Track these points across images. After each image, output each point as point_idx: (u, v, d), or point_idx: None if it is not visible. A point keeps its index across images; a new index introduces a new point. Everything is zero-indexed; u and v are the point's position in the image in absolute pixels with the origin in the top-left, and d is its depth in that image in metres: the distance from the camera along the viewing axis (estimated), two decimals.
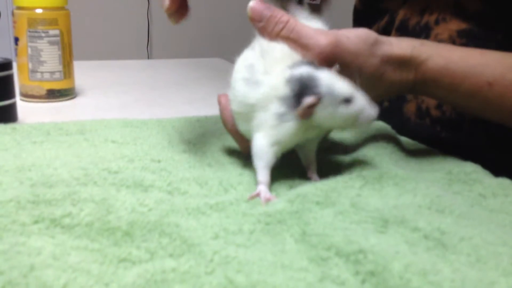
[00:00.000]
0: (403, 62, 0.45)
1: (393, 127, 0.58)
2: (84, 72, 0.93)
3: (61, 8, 0.73)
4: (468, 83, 0.45)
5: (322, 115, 0.38)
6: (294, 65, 0.39)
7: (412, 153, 0.51)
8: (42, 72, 0.73)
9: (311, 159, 0.43)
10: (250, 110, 0.40)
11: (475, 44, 0.50)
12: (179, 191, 0.39)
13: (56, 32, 0.72)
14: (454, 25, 0.57)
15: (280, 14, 0.41)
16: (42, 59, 0.72)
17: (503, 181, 0.43)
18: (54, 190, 0.37)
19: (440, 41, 0.57)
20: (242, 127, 0.43)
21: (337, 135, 0.57)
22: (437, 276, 0.27)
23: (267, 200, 0.37)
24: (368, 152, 0.48)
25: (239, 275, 0.28)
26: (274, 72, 0.39)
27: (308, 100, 0.37)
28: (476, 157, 0.48)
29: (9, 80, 0.58)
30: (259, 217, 0.35)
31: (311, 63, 0.39)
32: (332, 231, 0.32)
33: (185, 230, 0.32)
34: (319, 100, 0.37)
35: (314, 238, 0.32)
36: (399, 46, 0.45)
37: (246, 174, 0.43)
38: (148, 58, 2.35)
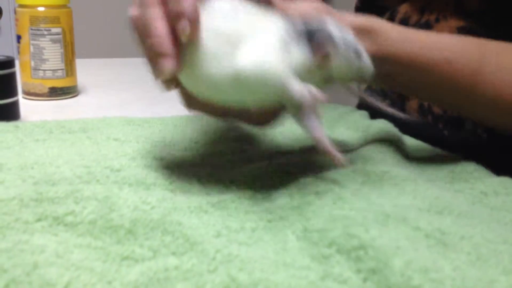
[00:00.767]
0: (363, 30, 0.43)
1: (395, 125, 0.58)
2: (86, 70, 0.93)
3: (63, 6, 0.73)
4: (426, 59, 0.44)
5: (336, 63, 0.37)
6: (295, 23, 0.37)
7: (414, 152, 0.51)
8: (44, 70, 0.73)
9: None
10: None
11: None
12: (181, 189, 0.40)
13: (58, 30, 0.72)
14: (454, 23, 0.57)
15: None
16: (44, 57, 0.72)
17: (505, 180, 0.43)
18: (56, 188, 0.37)
19: None
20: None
21: (340, 134, 0.57)
22: (438, 273, 0.27)
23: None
24: (371, 150, 0.48)
25: (241, 273, 0.28)
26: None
27: (325, 46, 0.36)
28: (478, 155, 0.48)
29: (11, 78, 0.58)
30: (261, 214, 0.35)
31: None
32: (332, 224, 0.32)
33: (188, 228, 0.33)
34: (334, 47, 0.37)
35: (315, 234, 0.32)
36: (357, 17, 0.44)
37: (247, 172, 0.43)
38: None
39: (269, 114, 0.43)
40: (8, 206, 0.34)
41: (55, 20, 0.72)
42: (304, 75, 0.36)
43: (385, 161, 0.46)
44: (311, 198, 0.36)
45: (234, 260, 0.29)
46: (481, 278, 0.28)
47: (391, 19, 0.66)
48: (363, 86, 0.39)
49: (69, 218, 0.33)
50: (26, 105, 0.69)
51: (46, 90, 0.74)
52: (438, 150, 0.52)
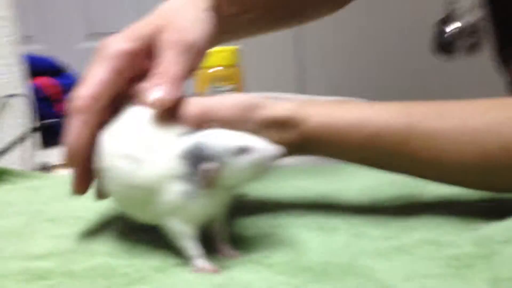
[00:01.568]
0: (281, 124, 0.43)
1: None
2: None
3: (235, 66, 0.82)
4: (354, 137, 0.43)
5: (227, 175, 0.36)
6: (176, 139, 0.37)
7: None
8: None
9: (222, 228, 0.39)
10: (142, 193, 0.37)
11: None
12: (363, 233, 0.42)
13: (231, 87, 0.81)
14: None
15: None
16: None
17: None
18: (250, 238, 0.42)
19: None
20: (130, 210, 0.40)
21: None
22: None
23: (215, 271, 0.36)
24: None
25: None
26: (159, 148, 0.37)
27: (208, 168, 0.35)
28: None
29: None
30: (448, 261, 0.36)
31: (189, 130, 0.38)
32: None
33: (378, 272, 0.35)
34: (218, 165, 0.35)
35: (506, 283, 0.32)
36: (276, 108, 0.43)
37: (426, 215, 0.44)
38: None
39: None
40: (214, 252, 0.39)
41: (228, 78, 0.80)
42: (216, 204, 0.37)
43: None
44: (498, 247, 0.37)
45: None
46: None
47: None
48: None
49: (266, 261, 0.37)
50: None
51: None
52: None
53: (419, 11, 2.00)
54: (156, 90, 0.40)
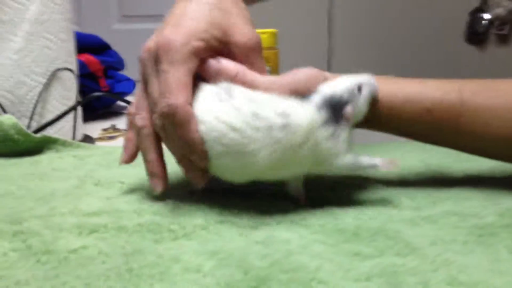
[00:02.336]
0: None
1: None
2: None
3: (273, 48, 0.84)
4: (408, 111, 0.45)
5: (356, 111, 0.43)
6: (304, 97, 0.42)
7: None
8: None
9: (300, 188, 0.45)
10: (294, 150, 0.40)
11: None
12: (393, 204, 0.45)
13: (268, 68, 0.83)
14: None
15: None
16: None
17: None
18: (287, 202, 0.45)
19: None
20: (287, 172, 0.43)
21: None
22: None
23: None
24: None
25: (461, 274, 0.32)
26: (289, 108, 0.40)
27: (349, 110, 0.42)
28: None
29: None
30: (471, 229, 0.39)
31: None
32: None
33: (406, 235, 0.37)
34: (353, 105, 0.42)
35: None
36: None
37: (452, 191, 0.46)
38: None
39: None
40: (254, 211, 0.43)
41: (266, 60, 0.83)
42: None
43: None
44: None
45: (452, 264, 0.33)
46: None
47: None
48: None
49: (303, 222, 0.40)
50: None
51: None
52: None
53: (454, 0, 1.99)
54: None
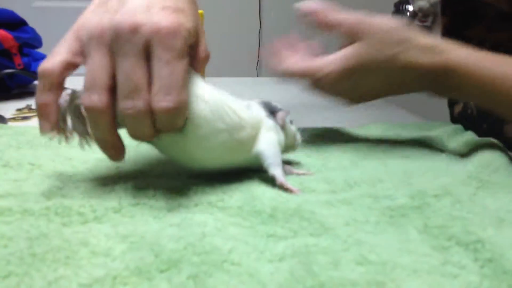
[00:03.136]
0: (426, 48, 0.49)
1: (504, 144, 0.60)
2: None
3: None
4: (498, 88, 0.48)
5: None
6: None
7: None
8: None
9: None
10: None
11: None
12: (308, 188, 0.45)
13: None
14: None
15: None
16: None
17: None
18: (206, 182, 0.44)
19: None
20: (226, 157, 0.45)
21: (452, 150, 0.59)
22: None
23: (298, 191, 0.44)
24: (484, 161, 0.51)
25: (371, 254, 0.33)
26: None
27: (282, 114, 0.48)
28: None
29: None
30: (383, 210, 0.40)
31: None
32: (451, 222, 0.36)
33: (320, 216, 0.38)
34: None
35: (435, 229, 0.36)
36: (425, 36, 0.50)
37: (367, 172, 0.47)
38: (257, 76, 2.45)
39: None
40: (170, 193, 0.41)
41: None
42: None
43: (496, 171, 0.48)
44: (431, 200, 0.40)
45: (364, 244, 0.34)
46: None
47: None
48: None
49: (220, 204, 0.40)
50: None
51: None
52: None
53: None
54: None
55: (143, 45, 0.37)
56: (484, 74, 0.48)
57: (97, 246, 0.33)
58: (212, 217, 0.37)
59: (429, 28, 2.19)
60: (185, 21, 0.38)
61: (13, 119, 0.76)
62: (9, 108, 0.82)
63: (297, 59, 0.54)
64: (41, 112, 0.41)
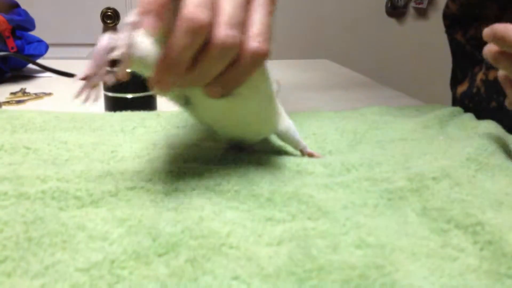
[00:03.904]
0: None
1: (504, 127, 0.60)
2: None
3: None
4: None
5: None
6: None
7: None
8: None
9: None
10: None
11: None
12: (306, 171, 0.45)
13: None
14: None
15: None
16: None
17: None
18: (203, 166, 0.43)
19: None
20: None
21: (450, 133, 0.59)
22: None
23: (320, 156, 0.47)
24: (482, 144, 0.51)
25: (370, 237, 0.32)
26: None
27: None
28: None
29: None
30: (382, 193, 0.39)
31: None
32: (450, 204, 0.36)
33: (318, 200, 0.38)
34: None
35: (434, 212, 0.36)
36: None
37: (365, 156, 0.47)
38: None
39: None
40: (168, 177, 0.41)
41: None
42: None
43: (495, 154, 0.48)
44: (429, 182, 0.40)
45: (362, 227, 0.34)
46: None
47: None
48: None
49: (218, 188, 0.40)
50: (158, 99, 0.78)
51: None
52: None
53: None
54: None
55: None
56: None
57: (94, 230, 0.33)
58: (210, 201, 0.37)
59: (424, 10, 2.16)
60: None
61: (7, 102, 0.75)
62: (3, 92, 0.81)
63: None
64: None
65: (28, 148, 0.48)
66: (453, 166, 0.42)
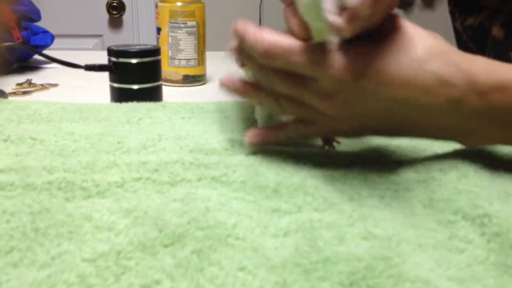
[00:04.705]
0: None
1: None
2: (212, 61, 1.01)
3: (198, 2, 0.81)
4: None
5: None
6: None
7: None
8: (179, 59, 0.81)
9: None
10: None
11: None
12: (310, 159, 0.44)
13: (193, 23, 0.80)
14: None
15: None
16: (180, 47, 0.81)
17: None
18: (209, 157, 0.43)
19: None
20: None
21: None
22: None
23: None
24: None
25: (376, 229, 0.32)
26: None
27: None
28: None
29: (158, 64, 0.66)
30: (388, 185, 0.39)
31: None
32: (457, 196, 0.36)
33: (324, 191, 0.37)
34: None
35: (441, 203, 0.36)
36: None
37: (371, 147, 0.47)
38: None
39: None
40: (174, 167, 0.41)
41: (191, 14, 0.80)
42: None
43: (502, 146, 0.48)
44: (436, 174, 0.40)
45: (369, 218, 0.34)
46: None
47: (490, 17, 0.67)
48: None
49: (224, 178, 0.40)
50: (163, 90, 0.78)
51: (180, 77, 0.82)
52: None
53: None
54: None
55: None
56: None
57: (100, 220, 0.33)
58: (216, 192, 0.37)
59: (431, 1, 2.14)
60: None
61: (14, 93, 0.75)
62: (9, 83, 0.81)
63: None
64: None
65: (34, 139, 0.48)
66: (460, 157, 0.42)
